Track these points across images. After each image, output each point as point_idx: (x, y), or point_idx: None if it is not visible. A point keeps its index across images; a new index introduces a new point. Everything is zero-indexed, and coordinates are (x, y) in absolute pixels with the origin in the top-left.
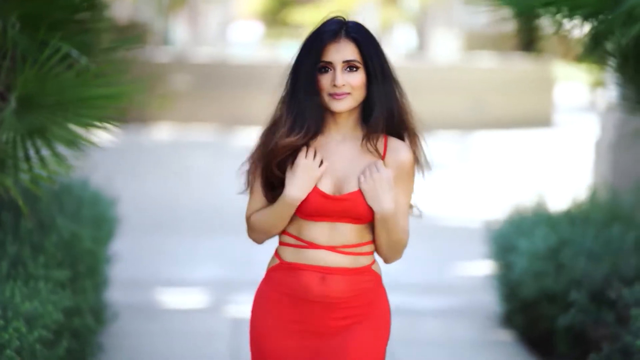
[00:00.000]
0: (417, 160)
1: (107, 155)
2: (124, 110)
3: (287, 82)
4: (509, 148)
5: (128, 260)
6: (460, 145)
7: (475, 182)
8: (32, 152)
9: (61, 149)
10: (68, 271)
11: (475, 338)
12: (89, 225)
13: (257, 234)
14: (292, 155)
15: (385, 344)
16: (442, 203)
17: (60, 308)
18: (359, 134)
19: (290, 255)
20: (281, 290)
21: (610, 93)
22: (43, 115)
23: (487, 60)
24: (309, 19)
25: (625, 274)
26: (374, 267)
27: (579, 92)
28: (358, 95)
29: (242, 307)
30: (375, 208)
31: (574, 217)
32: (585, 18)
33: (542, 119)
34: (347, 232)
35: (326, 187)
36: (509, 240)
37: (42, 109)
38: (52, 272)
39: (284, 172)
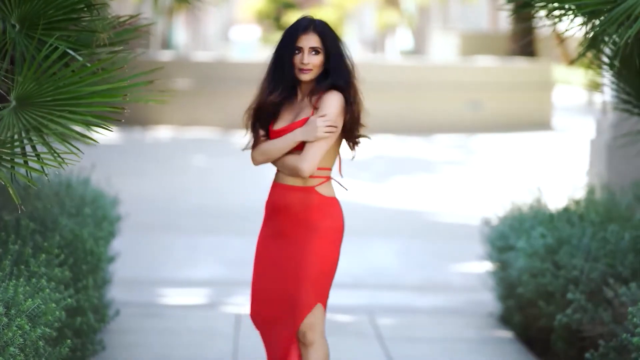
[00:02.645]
0: (347, 102)
1: (109, 155)
2: (121, 107)
3: (271, 60)
4: (507, 149)
5: (129, 259)
6: (458, 147)
7: (473, 181)
8: (28, 148)
9: (59, 146)
10: (70, 270)
11: (472, 336)
12: (91, 224)
13: (262, 155)
14: (273, 109)
15: (337, 247)
16: (440, 202)
17: (62, 306)
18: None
19: (275, 177)
20: (268, 202)
21: (606, 94)
22: (40, 113)
23: (485, 62)
24: None
25: (622, 273)
26: (318, 188)
27: (577, 95)
28: (317, 71)
29: (243, 306)
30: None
31: (571, 217)
32: (586, 18)
33: (541, 121)
34: None
35: (280, 126)
36: (507, 239)
37: (39, 106)
38: (54, 271)
39: (266, 121)
